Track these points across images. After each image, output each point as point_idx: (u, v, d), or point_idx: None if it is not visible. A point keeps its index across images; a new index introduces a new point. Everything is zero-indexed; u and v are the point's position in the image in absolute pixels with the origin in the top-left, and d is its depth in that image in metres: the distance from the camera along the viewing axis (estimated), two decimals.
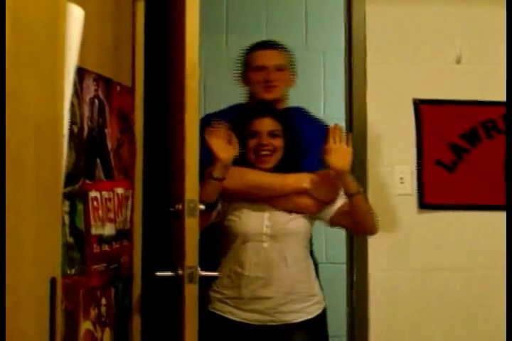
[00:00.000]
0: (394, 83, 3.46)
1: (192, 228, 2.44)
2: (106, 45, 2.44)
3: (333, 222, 2.99)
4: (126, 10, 2.64)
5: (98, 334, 2.33)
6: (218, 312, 2.91)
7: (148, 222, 2.77)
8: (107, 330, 2.41)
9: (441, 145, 3.44)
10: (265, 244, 2.89)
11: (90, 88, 2.28)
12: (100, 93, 2.36)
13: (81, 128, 2.22)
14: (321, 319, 3.00)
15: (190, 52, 2.44)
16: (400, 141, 3.44)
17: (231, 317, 2.90)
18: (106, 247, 2.40)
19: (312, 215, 2.97)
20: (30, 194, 1.72)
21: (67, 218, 2.11)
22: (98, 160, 2.36)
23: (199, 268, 2.45)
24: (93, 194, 2.31)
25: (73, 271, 2.15)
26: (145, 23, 2.71)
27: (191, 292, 2.42)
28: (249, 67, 3.14)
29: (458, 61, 3.50)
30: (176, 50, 2.61)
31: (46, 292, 1.77)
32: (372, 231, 2.98)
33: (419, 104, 3.45)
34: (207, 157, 2.73)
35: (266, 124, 2.94)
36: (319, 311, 2.96)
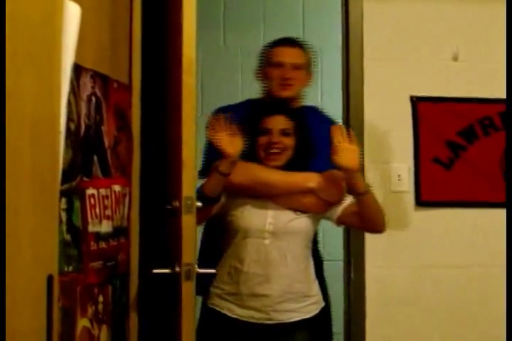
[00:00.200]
0: (391, 80, 3.47)
1: (189, 225, 2.44)
2: (103, 42, 2.43)
3: (340, 222, 2.97)
4: (123, 6, 2.64)
5: (95, 332, 2.33)
6: (216, 308, 2.92)
7: (145, 219, 2.76)
8: (104, 327, 2.41)
9: (438, 142, 3.44)
10: (266, 241, 2.88)
11: (87, 85, 2.28)
12: (97, 90, 2.35)
13: (78, 126, 2.21)
14: (320, 319, 2.99)
15: (187, 48, 2.44)
16: (397, 139, 3.45)
17: (228, 313, 2.90)
18: (103, 244, 2.39)
19: (318, 215, 2.96)
20: (27, 191, 1.72)
21: (64, 215, 2.11)
22: (95, 158, 2.35)
23: (196, 266, 2.45)
24: (90, 191, 2.30)
25: (70, 269, 2.14)
26: (142, 20, 2.71)
27: (188, 289, 2.42)
28: (267, 63, 3.12)
29: (455, 58, 3.50)
30: (172, 46, 2.61)
31: (43, 289, 1.77)
32: (381, 229, 2.95)
33: (416, 102, 3.46)
34: (214, 152, 2.72)
35: (278, 122, 2.92)
36: (316, 311, 2.95)
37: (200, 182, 2.81)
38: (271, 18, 4.74)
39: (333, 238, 3.32)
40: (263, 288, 2.87)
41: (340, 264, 3.56)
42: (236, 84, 4.66)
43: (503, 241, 3.28)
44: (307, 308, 2.93)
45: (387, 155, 3.42)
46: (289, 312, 2.91)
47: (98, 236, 2.35)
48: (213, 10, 4.71)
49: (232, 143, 2.73)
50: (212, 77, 4.61)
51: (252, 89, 4.18)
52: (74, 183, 2.18)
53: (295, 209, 2.92)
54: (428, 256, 3.44)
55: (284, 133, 2.92)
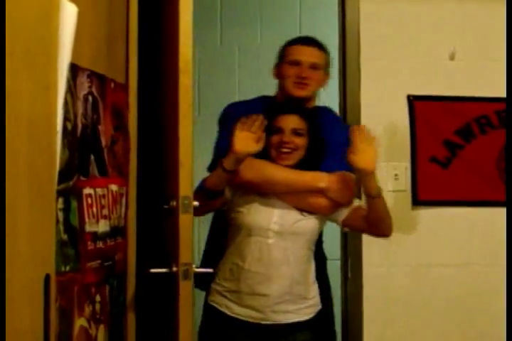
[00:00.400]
0: (388, 79, 3.47)
1: (186, 225, 2.44)
2: (99, 42, 2.43)
3: (345, 224, 2.96)
4: (119, 6, 2.64)
5: (93, 331, 2.33)
6: (215, 305, 2.91)
7: (142, 218, 2.76)
8: (102, 327, 2.41)
9: (436, 141, 3.44)
10: (270, 240, 2.87)
11: (84, 85, 2.28)
12: (94, 90, 2.35)
13: (75, 125, 2.21)
14: (322, 320, 2.98)
15: (183, 48, 2.44)
16: (394, 138, 3.45)
17: (227, 311, 2.89)
18: (100, 244, 2.39)
19: (324, 217, 2.95)
20: (24, 191, 1.72)
21: (61, 215, 2.11)
22: (92, 157, 2.35)
23: (194, 265, 2.45)
24: (87, 191, 2.30)
25: (67, 268, 2.14)
26: (138, 20, 2.71)
27: (186, 289, 2.42)
28: (284, 61, 3.09)
29: (452, 57, 3.50)
30: (169, 46, 2.61)
31: (40, 289, 1.77)
32: (388, 233, 2.93)
33: (413, 101, 3.46)
34: (224, 147, 2.71)
35: (291, 122, 2.90)
36: (312, 314, 2.95)
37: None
38: (268, 17, 4.74)
39: (330, 237, 3.31)
40: (263, 287, 2.86)
41: (338, 263, 3.56)
42: (233, 84, 4.66)
43: (501, 240, 3.28)
44: (304, 311, 2.93)
45: (385, 154, 3.42)
46: (286, 314, 2.90)
47: (95, 236, 2.35)
48: (210, 9, 4.71)
49: (245, 141, 2.69)
50: (209, 76, 4.61)
51: (249, 89, 4.18)
52: (71, 183, 2.18)
53: (302, 210, 2.91)
54: (425, 254, 3.45)
55: (296, 133, 2.90)
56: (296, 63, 3.05)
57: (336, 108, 3.54)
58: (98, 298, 2.38)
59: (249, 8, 4.75)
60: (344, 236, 3.49)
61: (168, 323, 2.58)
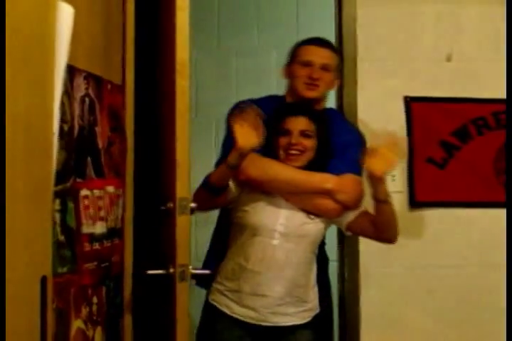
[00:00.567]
0: (384, 81, 3.47)
1: (183, 226, 2.44)
2: (96, 43, 2.43)
3: (350, 228, 2.95)
4: (116, 8, 2.64)
5: (89, 333, 2.33)
6: (216, 304, 2.91)
7: (139, 220, 2.76)
8: (99, 329, 2.41)
9: (432, 142, 3.45)
10: (274, 242, 2.86)
11: (81, 86, 2.28)
12: (91, 91, 2.35)
13: (71, 127, 2.21)
14: (315, 324, 2.98)
15: (180, 50, 2.44)
16: (390, 139, 3.44)
17: (227, 311, 2.89)
18: (97, 246, 2.39)
19: (329, 220, 2.95)
20: (21, 192, 1.72)
21: (58, 216, 2.11)
22: (89, 159, 2.35)
23: (190, 267, 2.45)
24: (84, 192, 2.30)
25: (64, 270, 2.14)
26: (135, 21, 2.71)
27: (183, 290, 2.42)
28: (295, 61, 3.08)
29: (448, 59, 3.50)
30: (166, 48, 2.61)
31: (37, 290, 1.77)
32: (393, 239, 2.94)
33: (410, 102, 3.46)
34: (230, 144, 2.70)
35: (299, 123, 2.90)
36: (309, 319, 2.94)
37: None
38: (265, 19, 4.75)
39: (327, 238, 3.31)
40: (265, 288, 2.85)
41: (335, 264, 3.56)
42: (230, 86, 4.66)
43: (498, 241, 3.29)
44: (302, 314, 2.92)
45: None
46: (285, 316, 2.90)
47: (92, 238, 2.35)
48: (207, 12, 4.72)
49: (247, 136, 2.67)
50: (206, 78, 4.62)
51: (247, 91, 4.19)
52: (68, 184, 2.18)
53: (308, 212, 2.90)
54: (422, 256, 3.45)
55: (305, 134, 2.89)
56: (308, 64, 3.03)
57: None
58: (95, 299, 2.38)
59: (247, 11, 4.76)
60: (341, 238, 3.49)
61: (165, 324, 2.58)
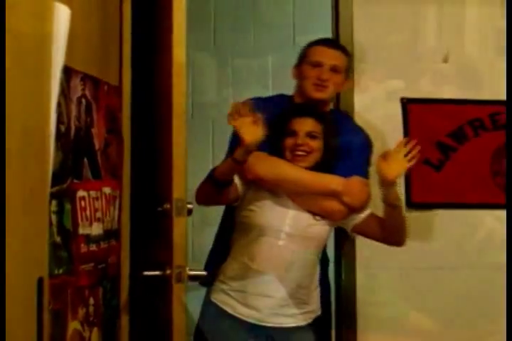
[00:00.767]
0: (381, 82, 3.47)
1: (180, 227, 2.44)
2: (93, 45, 2.43)
3: (356, 230, 2.96)
4: (113, 9, 2.64)
5: (86, 334, 2.33)
6: (218, 303, 2.89)
7: (136, 221, 2.76)
8: (95, 330, 2.40)
9: (429, 144, 3.44)
10: (281, 242, 2.85)
11: (77, 87, 2.28)
12: (87, 92, 2.35)
13: (68, 128, 2.21)
14: (315, 326, 2.97)
15: (177, 51, 2.44)
16: (387, 141, 3.45)
17: (229, 310, 2.88)
18: (94, 247, 2.39)
19: (335, 222, 2.95)
20: (17, 193, 1.72)
21: (54, 218, 2.10)
22: (85, 160, 2.35)
23: (187, 268, 2.45)
24: (81, 193, 2.30)
25: (61, 271, 2.14)
26: (132, 22, 2.71)
27: (179, 291, 2.42)
28: (305, 61, 3.07)
29: (445, 60, 3.51)
30: (162, 49, 2.61)
31: (33, 292, 1.77)
32: (402, 243, 2.95)
33: (406, 103, 3.46)
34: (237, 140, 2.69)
35: (306, 124, 2.89)
36: (310, 320, 2.94)
37: None
38: (261, 20, 4.75)
39: None
40: (269, 288, 2.84)
41: (331, 266, 3.56)
42: (227, 87, 4.66)
43: (494, 243, 3.29)
44: (303, 316, 2.92)
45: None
46: (288, 317, 2.89)
47: (88, 239, 2.35)
48: (203, 12, 4.72)
49: (252, 131, 2.65)
50: (203, 79, 4.61)
51: (244, 91, 4.19)
52: (64, 186, 2.18)
53: (314, 213, 2.89)
54: (418, 257, 3.44)
55: (311, 135, 2.88)
56: (317, 64, 3.02)
57: None
58: (91, 300, 2.38)
59: (243, 11, 4.76)
60: (338, 238, 3.49)
61: (162, 326, 2.58)
